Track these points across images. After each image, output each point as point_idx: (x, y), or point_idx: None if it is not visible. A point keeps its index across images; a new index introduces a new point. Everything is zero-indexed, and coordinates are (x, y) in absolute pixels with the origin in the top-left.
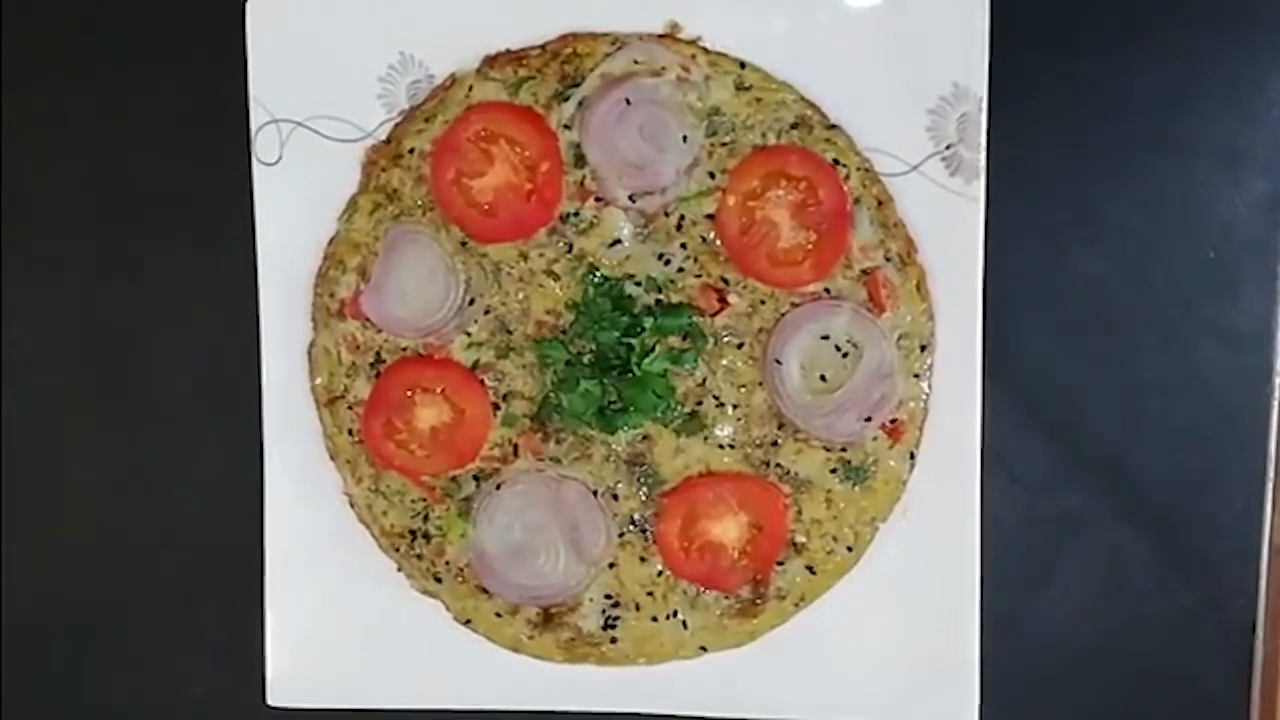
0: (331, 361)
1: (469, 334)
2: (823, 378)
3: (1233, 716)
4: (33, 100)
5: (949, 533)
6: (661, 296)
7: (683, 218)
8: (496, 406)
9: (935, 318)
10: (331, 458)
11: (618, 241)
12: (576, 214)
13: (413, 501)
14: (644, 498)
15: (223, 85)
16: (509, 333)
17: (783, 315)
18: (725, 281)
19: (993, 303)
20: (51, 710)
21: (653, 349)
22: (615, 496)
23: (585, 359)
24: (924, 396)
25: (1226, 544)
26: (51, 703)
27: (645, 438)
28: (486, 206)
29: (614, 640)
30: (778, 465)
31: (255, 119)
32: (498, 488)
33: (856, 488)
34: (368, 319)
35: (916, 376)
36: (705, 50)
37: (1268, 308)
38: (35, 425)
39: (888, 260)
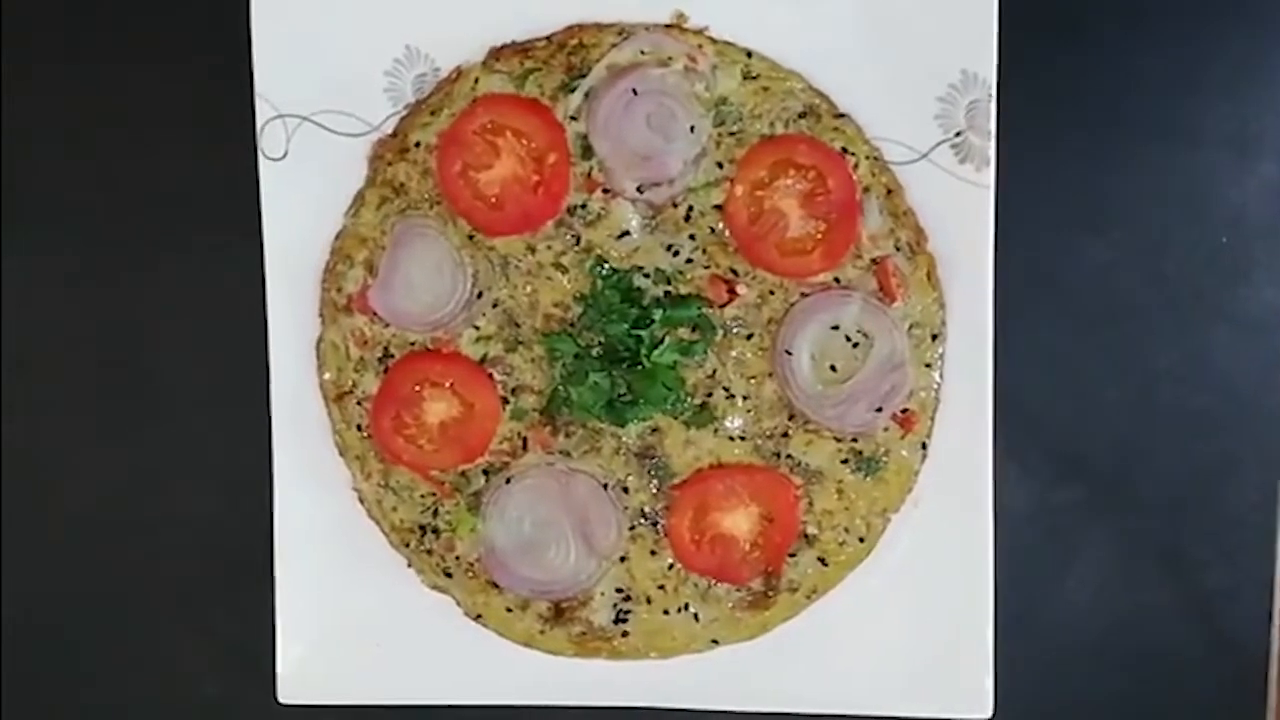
0: (340, 357)
1: (477, 328)
2: (833, 368)
3: (1250, 706)
4: (35, 97)
5: (961, 523)
6: (670, 288)
7: (691, 208)
8: (505, 400)
9: (946, 307)
10: (340, 453)
11: (626, 233)
12: (584, 206)
13: (422, 496)
14: (654, 490)
15: (228, 80)
16: (517, 326)
17: (792, 305)
18: (734, 272)
19: (1003, 291)
20: (61, 709)
21: (662, 341)
22: (625, 489)
23: (594, 351)
24: (935, 386)
25: (1241, 533)
26: (61, 701)
27: (655, 430)
28: (493, 199)
29: (625, 634)
30: (788, 456)
31: (261, 114)
32: (507, 482)
33: (868, 478)
34: (375, 313)
35: (928, 366)
36: (712, 40)
37: None
38: (46, 424)
39: (897, 249)
